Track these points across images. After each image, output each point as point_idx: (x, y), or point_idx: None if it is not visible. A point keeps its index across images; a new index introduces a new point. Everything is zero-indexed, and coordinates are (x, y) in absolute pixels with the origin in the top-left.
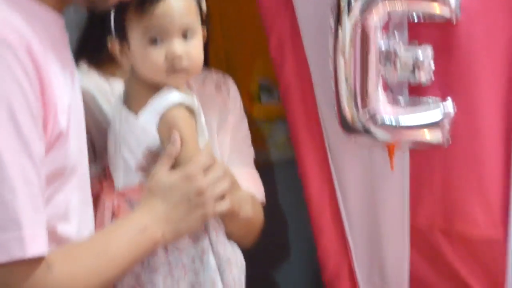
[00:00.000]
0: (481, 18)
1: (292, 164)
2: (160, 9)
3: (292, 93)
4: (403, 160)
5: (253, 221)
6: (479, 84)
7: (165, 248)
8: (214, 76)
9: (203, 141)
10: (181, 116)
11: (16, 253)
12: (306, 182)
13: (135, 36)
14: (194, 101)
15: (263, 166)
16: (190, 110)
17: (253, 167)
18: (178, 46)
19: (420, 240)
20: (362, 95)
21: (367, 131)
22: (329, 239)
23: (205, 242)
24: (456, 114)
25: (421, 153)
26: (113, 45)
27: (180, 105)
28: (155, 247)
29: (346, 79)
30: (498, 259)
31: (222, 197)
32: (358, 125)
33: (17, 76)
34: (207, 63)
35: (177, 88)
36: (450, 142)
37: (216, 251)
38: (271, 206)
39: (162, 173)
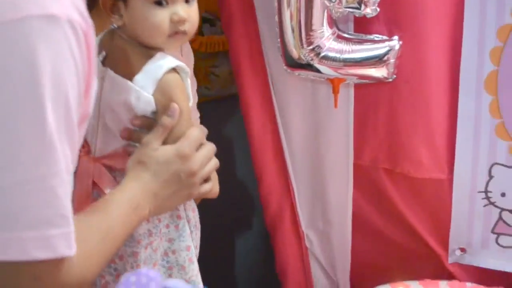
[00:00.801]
0: None
1: (236, 99)
2: None
3: (235, 26)
4: (347, 98)
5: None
6: (425, 19)
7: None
8: None
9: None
10: (178, 84)
11: (63, 251)
12: (248, 119)
13: None
14: (185, 65)
15: (206, 101)
16: (183, 75)
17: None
18: (183, 9)
19: (364, 180)
20: (307, 30)
21: (311, 67)
22: (271, 178)
23: (181, 209)
24: (402, 50)
25: (366, 91)
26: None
27: (176, 70)
28: (142, 221)
29: (290, 14)
30: (442, 199)
31: (208, 178)
32: (302, 60)
33: (76, 59)
34: None
35: (171, 52)
36: (395, 77)
37: (188, 217)
38: (214, 141)
39: (156, 146)
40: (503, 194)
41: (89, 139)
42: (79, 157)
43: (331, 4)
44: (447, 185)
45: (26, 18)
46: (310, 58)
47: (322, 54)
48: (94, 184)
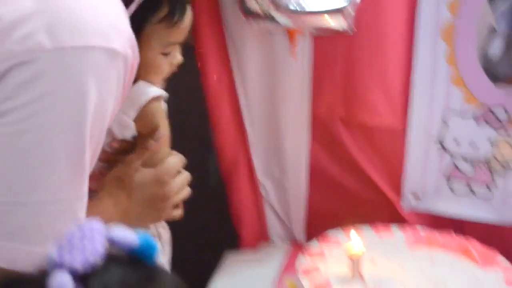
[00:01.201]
0: None
1: (192, 49)
2: (184, 23)
3: None
4: (305, 47)
5: None
6: None
7: None
8: None
9: None
10: (160, 111)
11: None
12: (204, 70)
13: (150, 43)
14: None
15: None
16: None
17: None
18: (179, 53)
19: (320, 130)
20: None
21: (268, 16)
22: (227, 129)
23: (151, 227)
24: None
25: (324, 42)
26: None
27: (159, 98)
28: None
29: None
30: (397, 147)
31: (180, 203)
32: (259, 10)
33: (119, 90)
34: None
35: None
36: (355, 30)
37: (159, 234)
38: (168, 91)
39: (137, 166)
40: (456, 141)
41: None
42: None
43: None
44: (402, 133)
45: (90, 48)
46: (267, 7)
47: (279, 3)
48: None
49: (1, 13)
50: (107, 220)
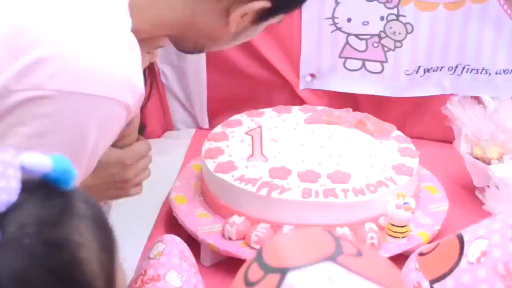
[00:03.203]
0: None
1: None
2: None
3: None
4: None
5: None
6: None
7: None
8: None
9: None
10: None
11: None
12: None
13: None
14: None
15: None
16: None
17: None
18: None
19: None
20: None
21: None
22: None
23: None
24: None
25: None
26: None
27: None
28: None
29: None
30: (292, 29)
31: (139, 183)
32: None
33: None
34: None
35: None
36: None
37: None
38: None
39: None
40: (349, 19)
41: None
42: None
43: None
44: (296, 13)
45: (107, 99)
46: None
47: None
48: None
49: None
50: None
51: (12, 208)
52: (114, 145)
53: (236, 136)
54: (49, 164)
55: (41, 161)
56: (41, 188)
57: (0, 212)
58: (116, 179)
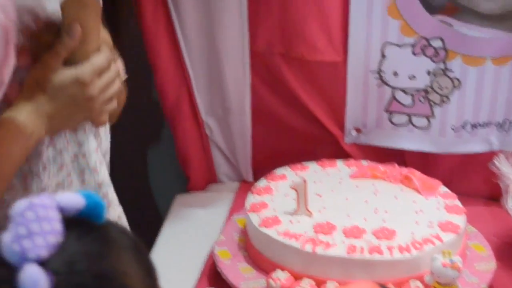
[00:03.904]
0: None
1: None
2: None
3: None
4: None
5: (121, 103)
6: None
7: None
8: None
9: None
10: (94, 1)
11: None
12: (140, 8)
13: None
14: None
15: None
16: None
17: None
18: None
19: (261, 66)
20: None
21: None
22: (166, 67)
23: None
24: None
25: None
26: None
27: None
28: (36, 144)
29: None
30: (337, 81)
31: (110, 99)
32: None
33: None
34: None
35: None
36: None
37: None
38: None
39: (54, 67)
40: (395, 73)
41: None
42: None
43: None
44: (341, 66)
45: None
46: None
47: None
48: None
49: None
50: (30, 134)
51: (58, 248)
52: (70, 63)
53: (281, 190)
54: (82, 201)
55: (75, 200)
56: (78, 225)
57: (49, 255)
58: (77, 100)
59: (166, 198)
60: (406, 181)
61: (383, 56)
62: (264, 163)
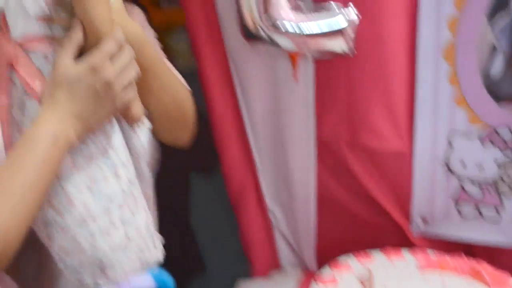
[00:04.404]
0: None
1: (195, 75)
2: None
3: None
4: (307, 71)
5: (181, 99)
6: None
7: None
8: None
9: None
10: None
11: None
12: (208, 94)
13: None
14: None
15: None
16: None
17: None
18: None
19: (326, 154)
20: (263, 1)
21: (269, 39)
22: (234, 153)
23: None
24: (360, 22)
25: (326, 64)
26: None
27: None
28: (72, 147)
29: None
30: (404, 171)
31: (129, 84)
32: (260, 33)
33: None
34: None
35: None
36: (355, 52)
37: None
38: None
39: (66, 63)
40: (463, 163)
41: (8, 22)
42: None
43: None
44: (407, 156)
45: None
46: (267, 29)
47: (280, 25)
48: (11, 66)
49: None
50: (55, 139)
51: None
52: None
53: (345, 280)
54: (153, 284)
55: (146, 282)
56: None
57: None
58: (97, 87)
59: (224, 276)
60: (475, 273)
61: (450, 145)
62: (328, 250)
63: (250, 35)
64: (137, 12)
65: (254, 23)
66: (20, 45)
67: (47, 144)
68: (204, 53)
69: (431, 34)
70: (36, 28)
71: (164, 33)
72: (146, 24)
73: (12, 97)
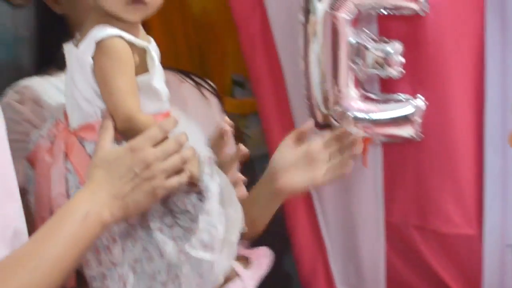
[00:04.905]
0: (449, 11)
1: (267, 159)
2: None
3: (263, 88)
4: (376, 156)
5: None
6: (449, 77)
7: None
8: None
9: (161, 81)
10: (119, 46)
11: None
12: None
13: None
14: (148, 44)
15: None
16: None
17: None
18: None
19: (395, 237)
20: (334, 92)
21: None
22: (304, 236)
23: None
24: (427, 108)
25: (394, 149)
26: None
27: (121, 37)
28: (105, 227)
29: (317, 76)
30: (474, 256)
31: (176, 171)
32: (330, 121)
33: None
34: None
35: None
36: (422, 136)
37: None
38: None
39: (105, 146)
40: None
41: (67, 114)
42: (57, 132)
43: (357, 66)
44: (477, 240)
45: None
46: (337, 119)
47: (350, 115)
48: (66, 155)
49: None
50: (84, 216)
51: None
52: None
53: None
54: None
55: None
56: None
57: None
58: (135, 168)
59: None
60: None
61: None
62: None
63: (320, 124)
64: (214, 102)
65: (324, 112)
66: (74, 134)
67: (76, 220)
68: (276, 139)
69: (497, 121)
70: (87, 117)
71: (237, 119)
72: (221, 112)
73: (68, 185)
